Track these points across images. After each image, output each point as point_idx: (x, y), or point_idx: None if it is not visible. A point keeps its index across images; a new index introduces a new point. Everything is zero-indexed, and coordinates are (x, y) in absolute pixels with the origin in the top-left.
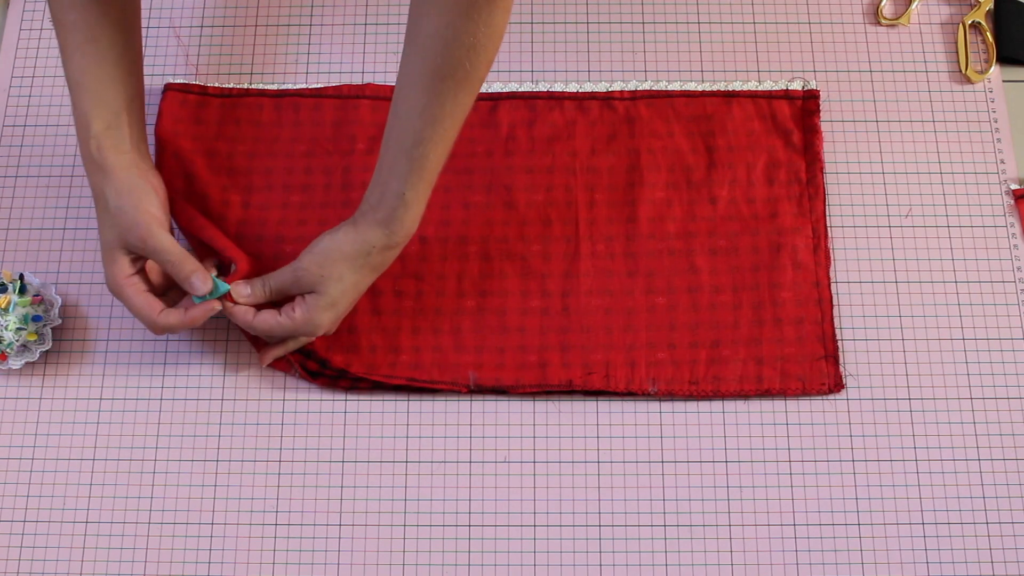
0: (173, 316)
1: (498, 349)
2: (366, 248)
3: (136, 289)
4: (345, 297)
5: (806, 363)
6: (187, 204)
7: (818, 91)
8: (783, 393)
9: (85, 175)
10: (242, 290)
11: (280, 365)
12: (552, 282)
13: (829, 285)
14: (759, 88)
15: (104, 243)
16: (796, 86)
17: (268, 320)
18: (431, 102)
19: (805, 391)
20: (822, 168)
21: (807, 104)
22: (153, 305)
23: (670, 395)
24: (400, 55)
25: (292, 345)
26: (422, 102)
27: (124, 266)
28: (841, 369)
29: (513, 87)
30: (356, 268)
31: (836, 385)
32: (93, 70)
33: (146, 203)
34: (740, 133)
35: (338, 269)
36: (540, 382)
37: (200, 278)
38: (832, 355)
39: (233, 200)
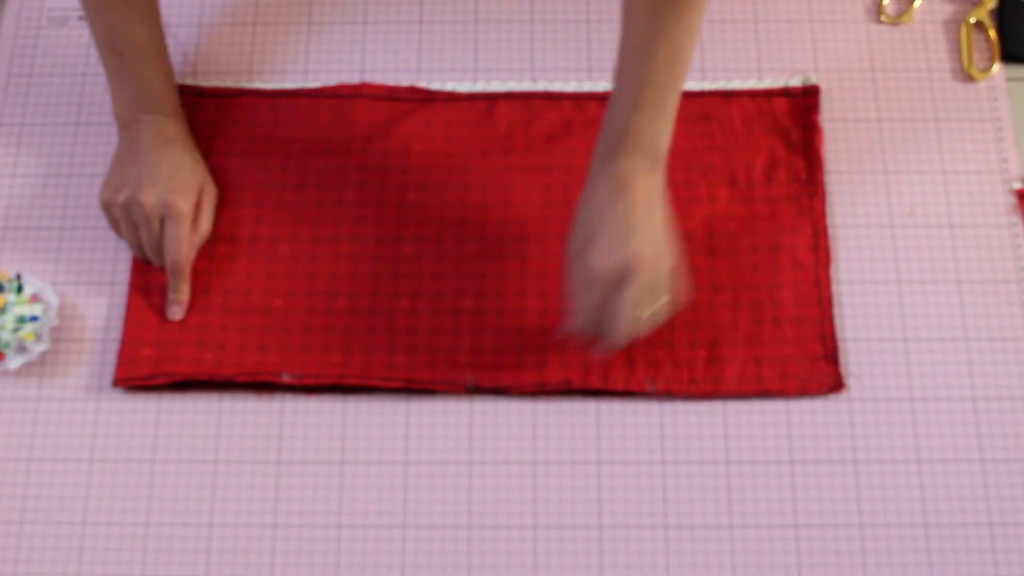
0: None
1: (496, 349)
2: (617, 180)
3: (191, 221)
4: (609, 224)
5: (806, 363)
6: None
7: (818, 86)
8: (782, 394)
9: (81, 175)
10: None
11: (269, 376)
12: (550, 281)
13: (829, 284)
14: (759, 86)
15: (183, 172)
16: (796, 82)
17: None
18: (651, 27)
19: (805, 391)
20: (822, 167)
21: (806, 101)
22: (188, 242)
23: (669, 395)
24: (397, 53)
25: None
26: (641, 27)
27: (193, 202)
28: (841, 369)
29: (512, 85)
30: (617, 199)
31: (836, 385)
32: (160, 37)
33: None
34: (739, 133)
35: (592, 204)
36: (539, 382)
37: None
38: (832, 355)
39: (228, 199)
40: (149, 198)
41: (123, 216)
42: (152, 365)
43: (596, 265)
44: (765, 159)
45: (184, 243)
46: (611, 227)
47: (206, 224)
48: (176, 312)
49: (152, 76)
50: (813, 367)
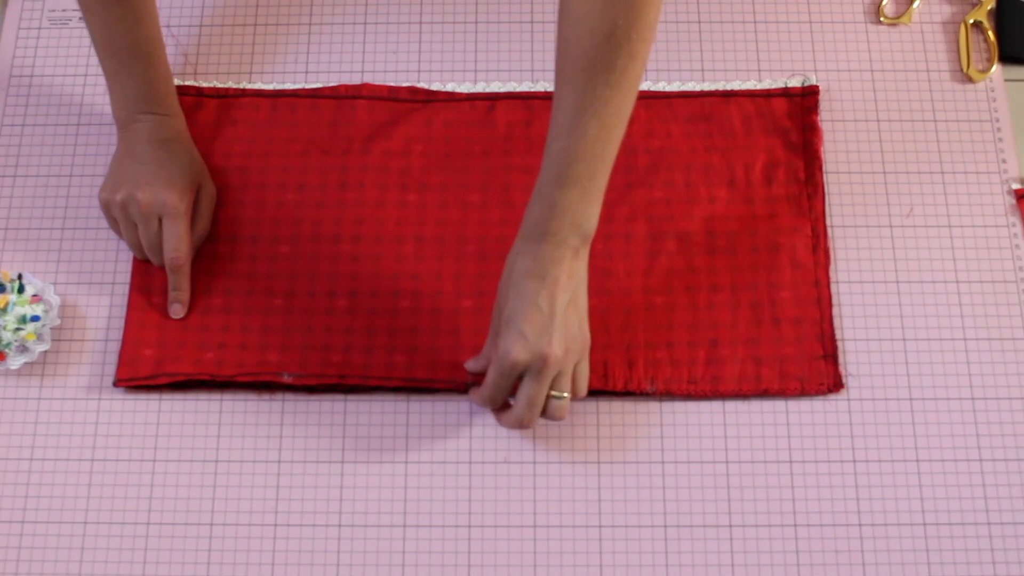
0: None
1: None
2: (542, 264)
3: (189, 219)
4: (528, 315)
5: (805, 363)
6: None
7: (817, 87)
8: (782, 393)
9: (82, 176)
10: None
11: (270, 376)
12: None
13: (828, 285)
14: (758, 87)
15: (181, 171)
16: (796, 82)
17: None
18: (581, 102)
19: (804, 391)
20: (821, 167)
21: (805, 101)
22: (187, 240)
23: (668, 394)
24: (397, 54)
25: (527, 407)
26: (572, 102)
27: (190, 200)
28: (841, 369)
29: (512, 86)
30: (541, 284)
31: (835, 385)
32: (157, 37)
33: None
34: (738, 133)
35: (515, 286)
36: None
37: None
38: (831, 355)
39: (229, 200)
40: (146, 196)
41: (121, 215)
42: (153, 365)
43: (514, 354)
44: (764, 159)
45: (182, 241)
46: (531, 316)
47: (204, 223)
48: (178, 311)
49: (149, 76)
50: (812, 367)
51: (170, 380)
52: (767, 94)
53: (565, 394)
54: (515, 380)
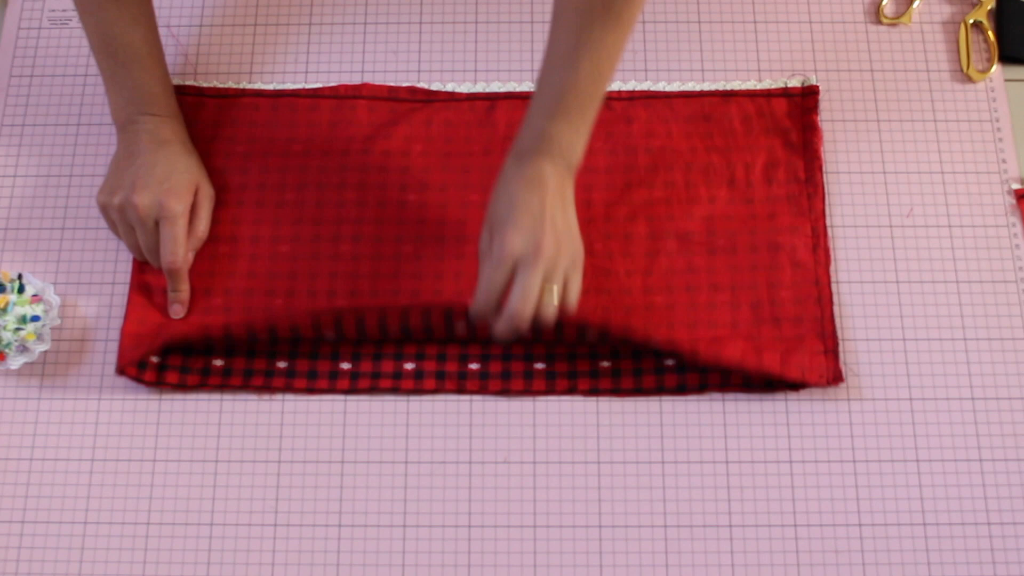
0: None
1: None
2: (533, 175)
3: (186, 222)
4: (520, 214)
5: (806, 356)
6: None
7: (817, 87)
8: (783, 376)
9: (82, 176)
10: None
11: (277, 381)
12: None
13: (829, 284)
14: (758, 87)
15: (178, 173)
16: (796, 82)
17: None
18: (577, 40)
19: (804, 378)
20: (821, 167)
21: (805, 101)
22: (184, 243)
23: (679, 388)
24: (397, 53)
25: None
26: (568, 40)
27: (188, 202)
28: (841, 365)
29: (512, 86)
30: (531, 190)
31: (835, 378)
32: (154, 39)
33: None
34: (738, 133)
35: (506, 195)
36: (547, 389)
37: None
38: (832, 350)
39: (229, 199)
40: (143, 200)
41: (119, 218)
42: (154, 359)
43: (508, 244)
44: (764, 159)
45: (179, 244)
46: (525, 212)
47: (203, 225)
48: (178, 311)
49: (146, 78)
50: (813, 360)
51: (169, 342)
52: (767, 94)
53: (556, 296)
54: (510, 276)
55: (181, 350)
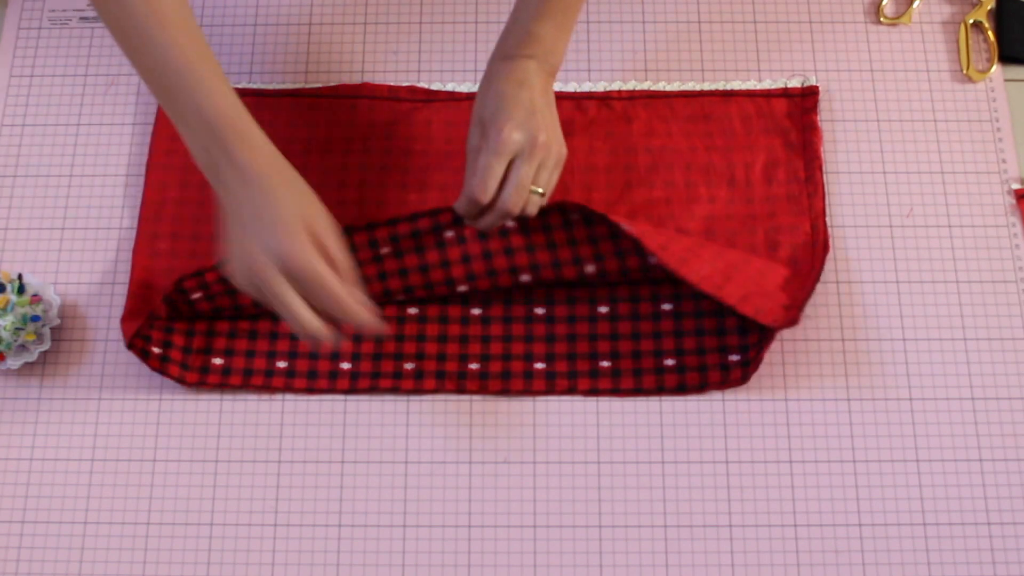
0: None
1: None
2: (520, 75)
3: (324, 267)
4: (514, 107)
5: (767, 301)
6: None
7: (817, 87)
8: (735, 307)
9: (82, 176)
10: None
11: (277, 381)
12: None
13: (822, 265)
14: (758, 87)
15: (283, 218)
16: (796, 83)
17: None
18: None
19: (756, 317)
20: (821, 166)
21: (805, 102)
22: (341, 291)
23: (679, 388)
24: (397, 54)
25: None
26: None
27: (307, 238)
28: (802, 315)
29: None
30: (520, 87)
31: (787, 323)
32: (205, 50)
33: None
34: (738, 133)
35: (496, 93)
36: (547, 389)
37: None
38: (797, 307)
39: None
40: (261, 265)
41: (254, 293)
42: (156, 349)
43: (506, 135)
44: (764, 159)
45: (339, 296)
46: (518, 107)
47: (340, 255)
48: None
49: (212, 104)
50: (774, 306)
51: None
52: (767, 94)
53: (541, 189)
54: (507, 165)
55: (181, 347)
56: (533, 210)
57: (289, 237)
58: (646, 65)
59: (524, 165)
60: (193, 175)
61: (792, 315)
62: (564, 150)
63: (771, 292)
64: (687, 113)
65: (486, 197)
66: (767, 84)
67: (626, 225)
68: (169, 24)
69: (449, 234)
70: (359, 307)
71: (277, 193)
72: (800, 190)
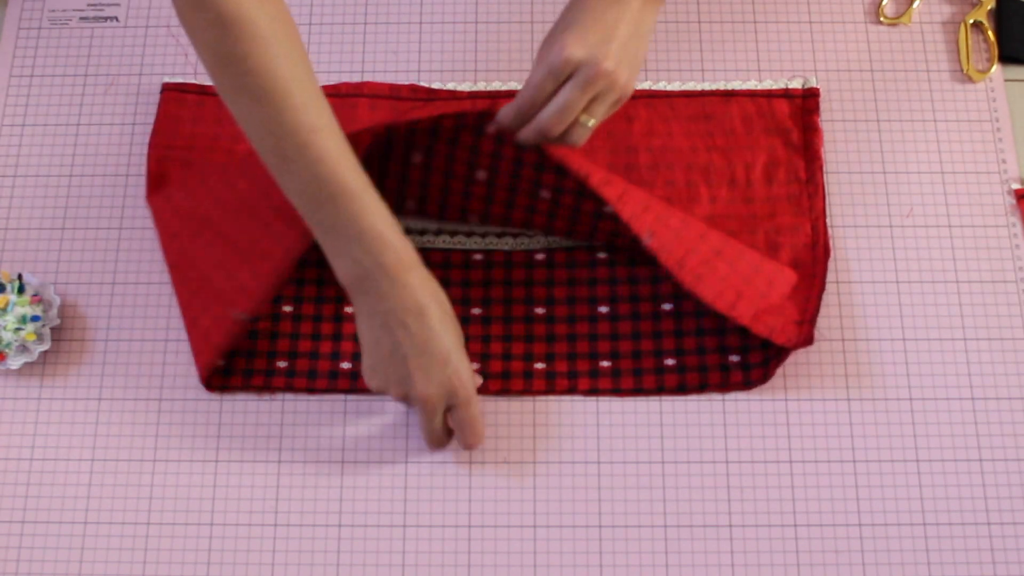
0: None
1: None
2: None
3: (471, 396)
4: (592, 22)
5: (779, 319)
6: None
7: (818, 89)
8: (750, 327)
9: (82, 176)
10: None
11: (277, 381)
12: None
13: (824, 273)
14: (759, 87)
15: (455, 349)
16: (796, 84)
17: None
18: None
19: (771, 336)
20: (821, 167)
21: (806, 103)
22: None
23: (680, 388)
24: (397, 53)
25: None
26: None
27: (472, 375)
28: (816, 331)
29: (513, 85)
30: (611, 3)
31: (804, 341)
32: (312, 84)
33: None
34: (739, 133)
35: (581, 4)
36: (547, 389)
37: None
38: (808, 321)
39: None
40: (430, 392)
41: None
42: (235, 375)
43: (568, 51)
44: (765, 159)
45: (479, 424)
46: (595, 25)
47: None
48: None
49: (363, 213)
50: (786, 324)
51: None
52: (768, 94)
53: (592, 122)
54: (558, 86)
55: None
56: (577, 140)
57: (458, 375)
58: (646, 65)
59: (576, 89)
60: (195, 169)
61: (805, 332)
62: (631, 88)
63: (781, 306)
64: (688, 113)
65: (527, 108)
66: (768, 84)
67: (644, 232)
68: (274, 28)
69: (487, 145)
70: (483, 429)
71: (448, 327)
72: (800, 190)
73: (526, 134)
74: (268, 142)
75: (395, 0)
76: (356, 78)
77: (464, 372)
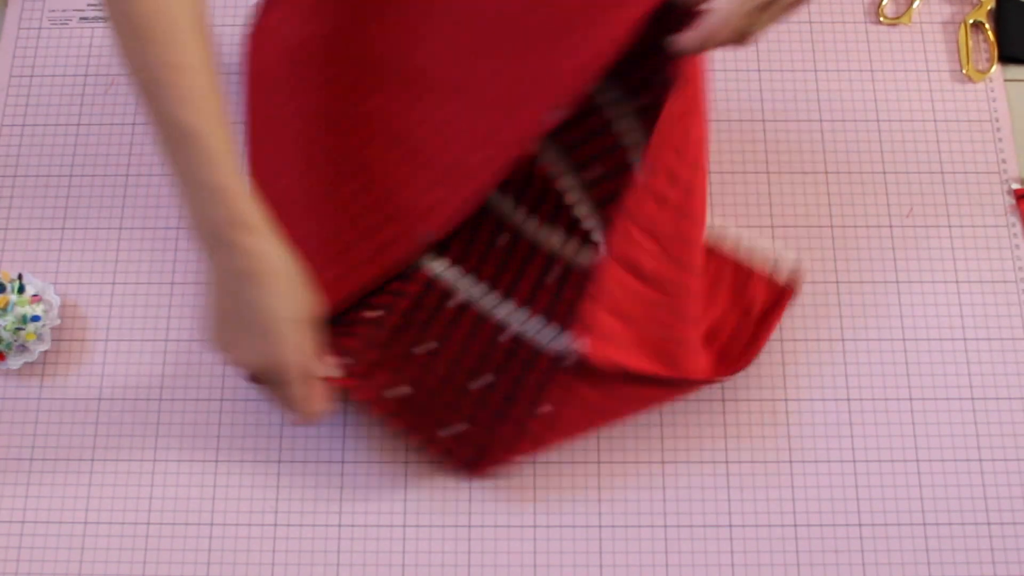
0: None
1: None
2: None
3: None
4: None
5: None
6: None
7: (792, 289)
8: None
9: (82, 176)
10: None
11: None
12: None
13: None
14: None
15: (281, 313)
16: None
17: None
18: None
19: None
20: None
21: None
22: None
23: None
24: None
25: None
26: None
27: (300, 348)
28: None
29: None
30: None
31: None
32: (192, 25)
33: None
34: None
35: None
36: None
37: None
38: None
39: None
40: (251, 361)
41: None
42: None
43: None
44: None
45: (307, 400)
46: None
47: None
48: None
49: (215, 173)
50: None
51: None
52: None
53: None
54: None
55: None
56: (746, 42)
57: (281, 351)
58: None
59: None
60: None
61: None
62: None
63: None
64: None
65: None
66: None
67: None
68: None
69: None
70: (308, 410)
71: (273, 294)
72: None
73: (691, 36)
74: (131, 76)
75: None
76: None
77: (291, 349)
